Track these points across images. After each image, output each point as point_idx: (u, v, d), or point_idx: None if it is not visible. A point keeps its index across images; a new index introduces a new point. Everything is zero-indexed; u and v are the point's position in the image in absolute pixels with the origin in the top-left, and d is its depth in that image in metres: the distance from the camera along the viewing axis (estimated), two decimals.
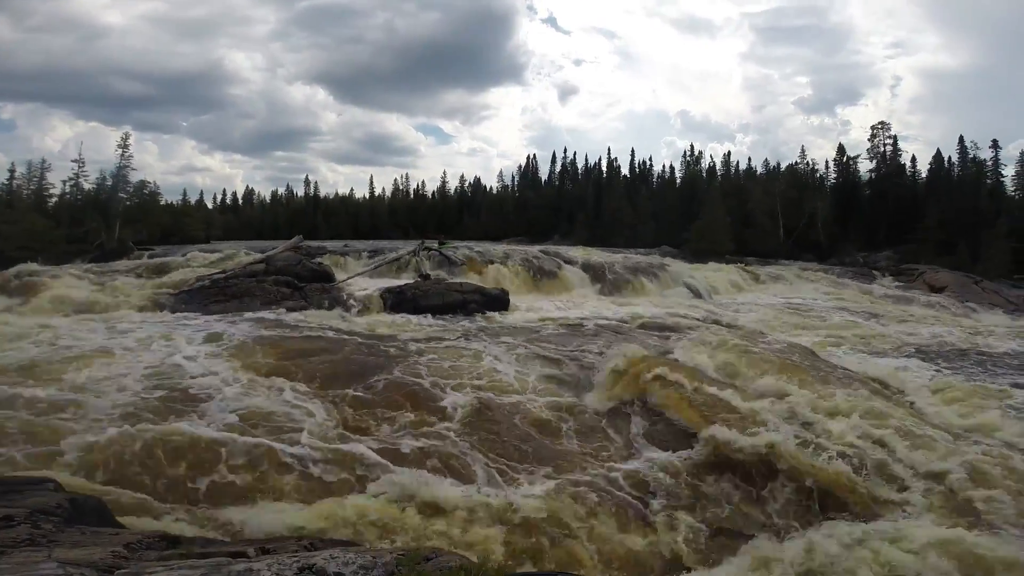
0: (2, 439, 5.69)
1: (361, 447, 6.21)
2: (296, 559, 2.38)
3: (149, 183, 35.85)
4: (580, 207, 42.81)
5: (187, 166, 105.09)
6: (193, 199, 54.13)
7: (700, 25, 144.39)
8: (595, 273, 21.85)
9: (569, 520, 5.12)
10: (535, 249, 25.51)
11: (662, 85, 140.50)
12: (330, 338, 10.84)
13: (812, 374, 9.19)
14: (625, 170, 48.81)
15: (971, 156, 35.61)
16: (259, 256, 18.18)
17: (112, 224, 27.15)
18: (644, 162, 49.30)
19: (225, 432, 6.13)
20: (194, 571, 2.10)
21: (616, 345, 10.63)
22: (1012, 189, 35.59)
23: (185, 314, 13.06)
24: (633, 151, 61.66)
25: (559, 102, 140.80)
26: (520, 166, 56.65)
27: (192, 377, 7.93)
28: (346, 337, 11.01)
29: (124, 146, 31.08)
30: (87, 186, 31.41)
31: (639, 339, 12.12)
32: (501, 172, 72.31)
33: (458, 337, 11.64)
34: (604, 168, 49.15)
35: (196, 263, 18.62)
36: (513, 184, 54.24)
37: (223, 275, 15.82)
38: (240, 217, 52.05)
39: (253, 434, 6.21)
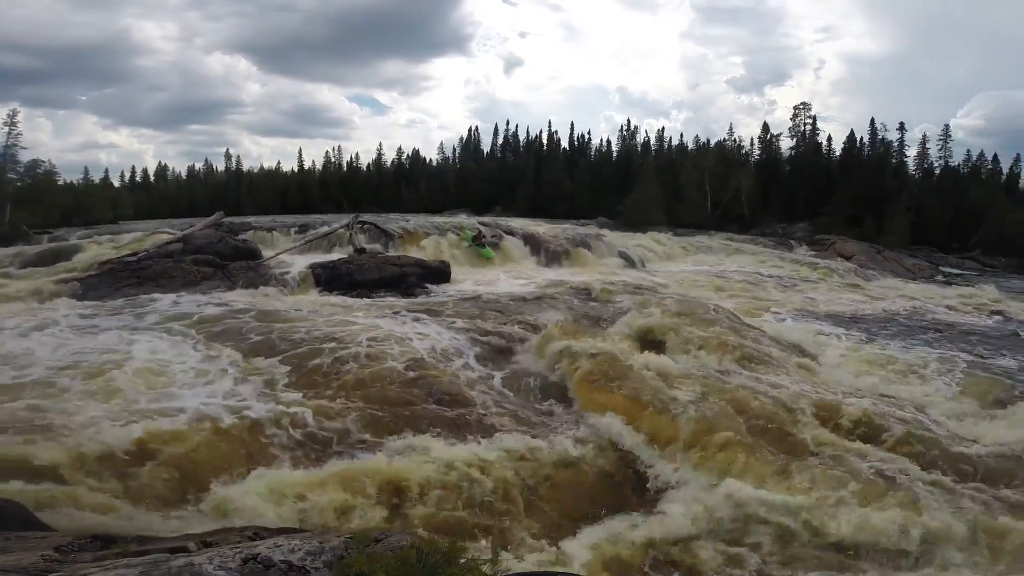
0: None
1: None
2: (239, 550, 2.31)
3: (43, 162, 32.41)
4: (521, 179, 42.81)
5: (88, 143, 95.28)
6: (97, 177, 49.05)
7: (643, 1, 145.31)
8: (535, 244, 22.08)
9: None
10: (475, 221, 25.34)
11: (604, 60, 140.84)
12: None
13: (733, 336, 9.87)
14: (565, 143, 49.15)
15: (880, 137, 38.52)
16: (175, 235, 16.95)
17: (2, 207, 24.37)
18: (583, 136, 49.79)
19: None
20: (131, 570, 2.00)
21: (548, 315, 10.99)
22: (913, 169, 38.97)
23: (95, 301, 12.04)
24: (573, 125, 62.18)
25: (504, 74, 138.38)
26: (462, 138, 55.35)
27: None
28: None
29: (11, 123, 27.82)
30: None
31: (573, 307, 12.48)
32: (442, 144, 70.56)
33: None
34: (544, 141, 49.26)
35: (104, 245, 17.06)
36: (454, 156, 53.20)
37: (134, 257, 14.66)
38: (153, 195, 47.73)
39: None
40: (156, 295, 12.31)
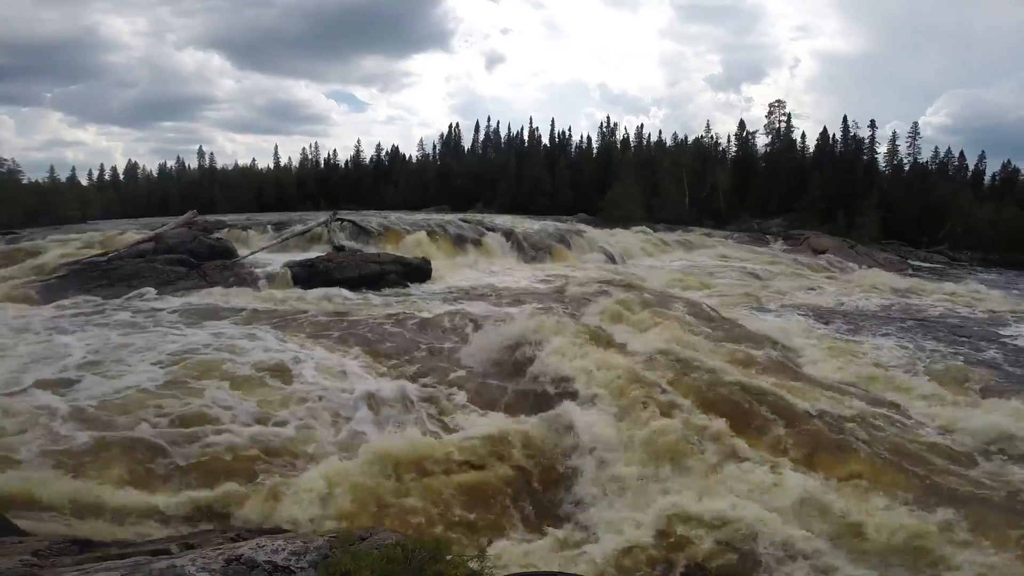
0: None
1: None
2: (221, 551, 2.27)
3: (6, 160, 31.37)
4: (502, 176, 42.79)
5: (54, 140, 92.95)
6: (64, 176, 47.65)
7: None
8: (516, 240, 22.12)
9: None
10: (456, 218, 25.26)
11: (585, 57, 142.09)
12: None
13: (710, 330, 10.01)
14: (546, 140, 49.25)
15: (852, 134, 39.42)
16: (147, 234, 16.53)
17: None
18: (563, 132, 49.95)
19: None
20: (112, 573, 1.95)
21: (525, 310, 11.05)
22: (884, 165, 39.97)
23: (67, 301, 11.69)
24: (553, 121, 62.37)
25: (486, 71, 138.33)
26: (442, 135, 54.93)
27: None
28: None
29: None
30: None
31: (554, 303, 12.53)
32: (422, 141, 70.24)
33: None
34: (526, 138, 49.28)
35: (72, 245, 16.54)
36: (435, 153, 52.83)
37: (105, 257, 14.27)
38: (123, 194, 46.37)
39: None
40: (145, 292, 12.25)
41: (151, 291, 12.31)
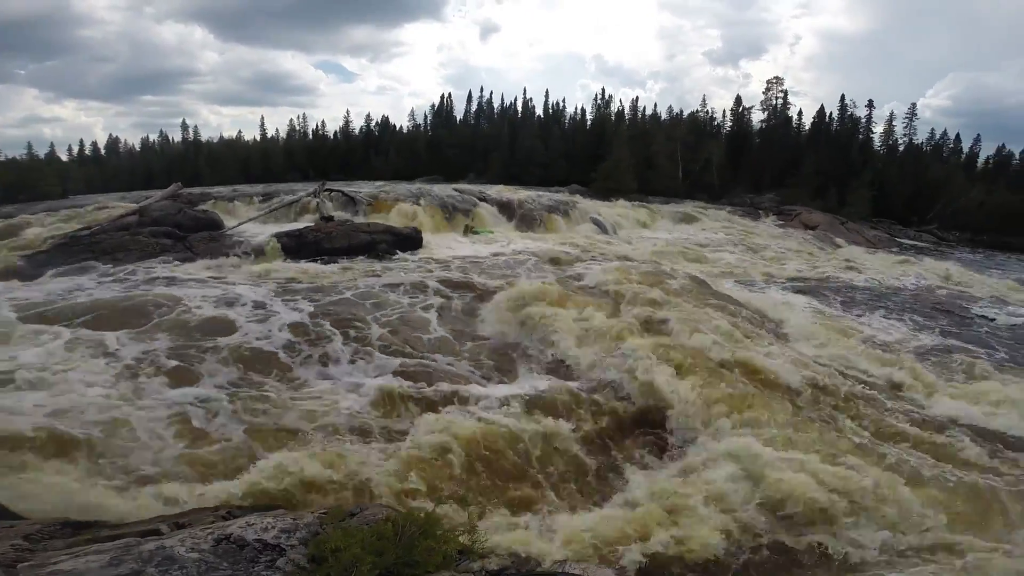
0: None
1: None
2: (211, 531, 2.29)
3: None
4: (495, 146, 42.13)
5: (30, 117, 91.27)
6: (42, 152, 46.11)
7: None
8: (509, 210, 22.00)
9: None
10: (449, 188, 24.95)
11: (581, 28, 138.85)
12: None
13: (700, 302, 10.09)
14: (540, 111, 48.38)
15: (849, 113, 39.06)
16: (131, 207, 16.23)
17: None
18: (557, 103, 49.07)
19: None
20: (102, 556, 1.95)
21: (518, 277, 11.09)
22: (879, 145, 39.71)
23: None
24: (547, 92, 61.44)
25: (480, 40, 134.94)
26: (433, 105, 53.58)
27: None
28: None
29: None
30: None
31: (544, 272, 12.56)
32: (413, 111, 68.68)
33: None
34: (519, 108, 48.41)
35: (53, 220, 16.25)
36: (426, 123, 51.69)
37: (88, 231, 14.01)
38: (105, 168, 45.14)
39: None
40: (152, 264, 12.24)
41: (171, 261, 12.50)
